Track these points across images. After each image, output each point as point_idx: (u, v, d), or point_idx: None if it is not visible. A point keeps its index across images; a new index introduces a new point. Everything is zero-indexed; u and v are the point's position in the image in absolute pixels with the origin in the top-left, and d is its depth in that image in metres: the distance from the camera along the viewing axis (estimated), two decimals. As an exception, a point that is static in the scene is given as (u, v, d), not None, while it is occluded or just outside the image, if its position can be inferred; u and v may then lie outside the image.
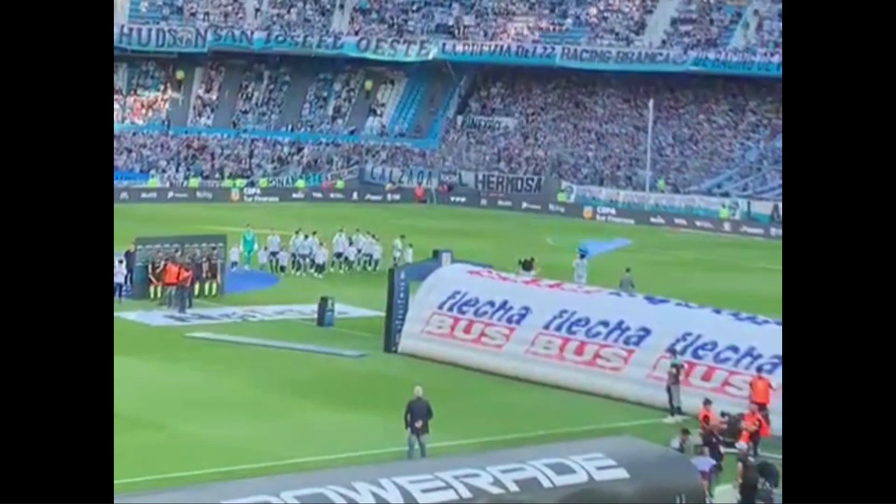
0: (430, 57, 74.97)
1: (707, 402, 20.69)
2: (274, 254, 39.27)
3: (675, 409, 22.71)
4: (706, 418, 20.25)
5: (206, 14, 75.81)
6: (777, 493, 17.45)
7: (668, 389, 22.86)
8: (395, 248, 39.54)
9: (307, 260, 39.10)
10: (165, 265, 32.48)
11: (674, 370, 22.89)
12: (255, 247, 39.47)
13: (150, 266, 32.74)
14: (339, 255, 40.01)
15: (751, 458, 18.00)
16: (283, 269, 38.99)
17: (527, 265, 33.63)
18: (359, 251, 40.20)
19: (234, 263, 37.98)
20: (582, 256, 34.99)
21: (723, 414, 21.30)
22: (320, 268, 38.92)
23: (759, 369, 22.32)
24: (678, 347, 23.44)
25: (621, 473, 16.52)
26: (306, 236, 39.60)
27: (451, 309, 27.10)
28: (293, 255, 39.17)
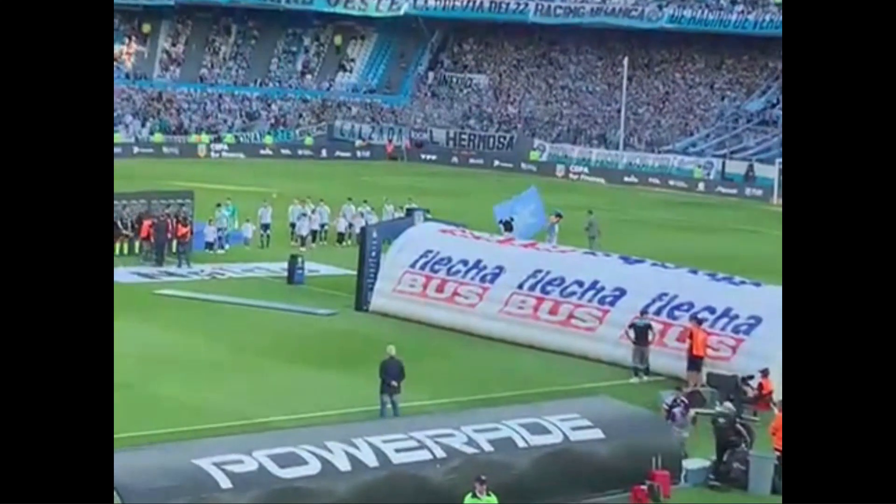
0: (402, 12, 74.13)
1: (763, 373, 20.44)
2: (265, 226, 35.59)
3: (640, 370, 22.49)
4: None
5: (174, -34, 74.53)
6: (752, 454, 17.36)
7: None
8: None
9: (295, 228, 35.95)
10: (141, 221, 32.01)
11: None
12: (236, 223, 35.77)
13: (118, 222, 32.16)
14: (350, 225, 36.69)
15: (721, 420, 17.88)
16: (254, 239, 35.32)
17: (507, 226, 33.23)
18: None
19: (210, 245, 33.88)
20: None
21: (709, 375, 21.21)
22: (303, 239, 35.60)
23: (736, 330, 22.25)
24: (654, 308, 23.25)
25: (596, 434, 16.38)
26: (307, 204, 36.43)
27: (423, 268, 26.79)
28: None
